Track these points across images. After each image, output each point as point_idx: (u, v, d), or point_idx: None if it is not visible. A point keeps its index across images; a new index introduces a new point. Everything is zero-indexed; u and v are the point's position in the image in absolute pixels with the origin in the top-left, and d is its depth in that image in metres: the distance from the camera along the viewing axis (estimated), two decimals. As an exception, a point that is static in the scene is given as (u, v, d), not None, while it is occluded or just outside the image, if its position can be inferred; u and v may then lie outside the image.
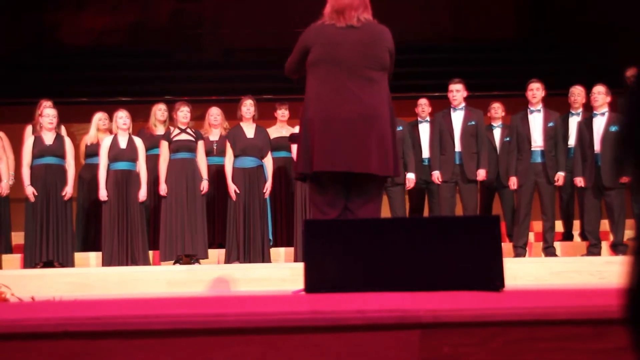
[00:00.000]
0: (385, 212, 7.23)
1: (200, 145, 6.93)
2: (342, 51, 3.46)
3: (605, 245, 6.88)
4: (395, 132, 3.61)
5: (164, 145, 6.86)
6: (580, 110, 7.10)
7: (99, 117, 7.36)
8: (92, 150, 7.24)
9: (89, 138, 7.38)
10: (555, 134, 6.78)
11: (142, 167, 6.83)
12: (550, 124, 6.77)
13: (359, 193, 3.52)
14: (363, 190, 3.52)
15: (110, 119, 7.19)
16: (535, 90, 6.78)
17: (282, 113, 7.38)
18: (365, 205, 3.52)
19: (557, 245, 6.97)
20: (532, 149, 6.76)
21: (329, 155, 3.40)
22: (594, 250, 6.70)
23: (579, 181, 6.72)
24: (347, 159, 3.40)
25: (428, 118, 7.35)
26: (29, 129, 7.20)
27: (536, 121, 6.79)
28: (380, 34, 3.53)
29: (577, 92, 7.12)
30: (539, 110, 6.81)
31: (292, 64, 3.62)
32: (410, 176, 6.97)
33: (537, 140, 6.77)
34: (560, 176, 6.75)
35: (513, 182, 6.80)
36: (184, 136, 6.86)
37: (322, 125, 3.42)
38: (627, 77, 7.04)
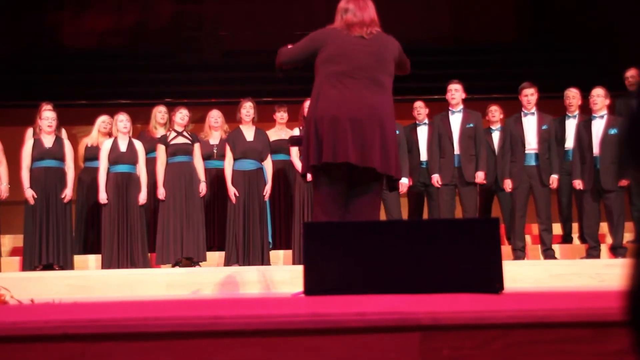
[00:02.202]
0: (381, 216, 7.23)
1: (197, 148, 6.93)
2: (354, 54, 3.55)
3: (604, 248, 6.88)
4: (396, 136, 3.66)
5: (161, 149, 6.86)
6: (576, 112, 7.10)
7: (102, 120, 7.37)
8: (92, 153, 7.24)
9: (89, 139, 7.39)
10: (549, 137, 6.78)
11: (142, 170, 6.83)
12: (544, 127, 6.77)
13: (363, 193, 3.56)
14: (366, 189, 3.56)
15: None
16: (530, 96, 6.80)
17: (281, 115, 7.38)
18: (369, 206, 3.56)
19: (557, 247, 6.97)
20: (526, 151, 6.77)
21: (339, 149, 3.46)
22: (593, 252, 6.70)
23: (578, 184, 6.72)
24: (356, 153, 3.45)
25: (426, 120, 7.35)
26: (29, 131, 7.21)
27: (530, 124, 6.80)
28: (388, 42, 3.66)
29: (571, 95, 7.12)
30: (532, 113, 6.82)
31: (294, 56, 3.66)
32: (404, 181, 6.96)
33: (531, 142, 6.77)
34: (554, 179, 6.75)
35: (508, 185, 6.80)
36: (180, 139, 6.87)
37: (332, 122, 3.47)
38: (626, 78, 7.05)
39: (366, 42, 3.59)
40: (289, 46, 3.74)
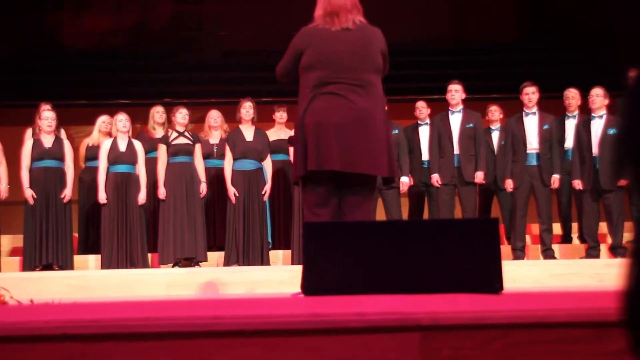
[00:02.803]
0: (381, 215, 7.24)
1: (198, 148, 6.93)
2: (337, 54, 3.43)
3: (604, 248, 6.88)
4: (390, 133, 3.59)
5: (162, 148, 6.87)
6: (576, 112, 7.11)
7: (103, 120, 7.37)
8: (93, 153, 7.25)
9: (90, 139, 7.40)
10: (551, 137, 6.79)
11: (141, 170, 6.83)
12: (546, 127, 6.77)
13: (352, 194, 3.51)
14: (356, 191, 3.51)
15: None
16: (531, 94, 6.79)
17: (281, 115, 7.38)
18: (359, 207, 3.51)
19: (556, 247, 6.97)
20: (527, 151, 6.77)
21: (323, 156, 3.39)
22: (592, 252, 6.70)
23: (577, 184, 6.72)
24: (341, 159, 3.39)
25: (428, 120, 7.35)
26: (29, 131, 7.21)
27: (531, 124, 6.80)
28: (374, 35, 3.53)
29: (571, 95, 7.12)
30: (534, 113, 6.82)
31: (285, 68, 3.58)
32: (405, 180, 6.97)
33: (533, 142, 6.77)
34: (555, 179, 6.75)
35: (509, 185, 6.80)
36: (182, 140, 6.87)
37: (317, 128, 3.41)
38: (629, 78, 7.04)
39: (350, 38, 3.45)
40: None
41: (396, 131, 7.03)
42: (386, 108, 3.65)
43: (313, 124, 3.42)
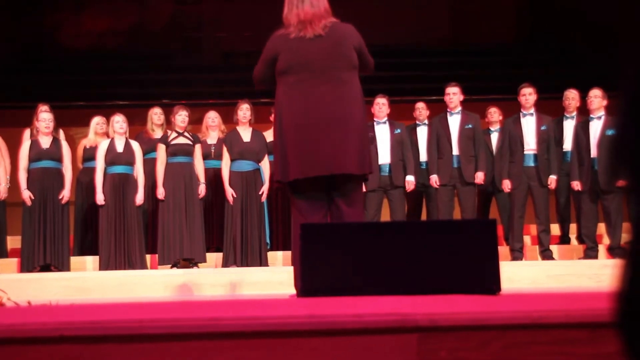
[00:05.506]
0: (386, 216, 7.24)
1: (198, 149, 6.93)
2: (310, 57, 3.45)
3: (602, 249, 6.89)
4: (367, 130, 3.59)
5: (162, 148, 6.86)
6: (574, 113, 7.12)
7: (97, 121, 7.36)
8: (90, 154, 7.24)
9: (87, 141, 7.39)
10: (548, 138, 6.79)
11: (139, 171, 6.83)
12: (543, 128, 6.78)
13: (341, 194, 3.51)
14: (344, 191, 3.51)
15: (108, 122, 7.19)
16: (528, 95, 6.80)
17: (279, 116, 7.36)
18: (349, 206, 3.51)
19: (554, 248, 6.98)
20: (524, 152, 6.78)
21: (306, 162, 3.40)
22: (591, 253, 6.71)
23: (576, 185, 6.72)
24: (325, 163, 3.40)
25: (426, 121, 7.36)
26: (26, 132, 7.21)
27: (529, 125, 6.81)
28: (345, 33, 3.53)
29: (571, 96, 7.13)
30: (531, 114, 6.83)
31: (260, 73, 3.58)
32: (410, 179, 6.97)
33: (530, 143, 6.78)
34: (552, 179, 6.76)
35: (506, 185, 6.81)
36: (181, 140, 6.87)
37: (296, 132, 3.42)
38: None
39: (321, 41, 3.46)
40: None
41: (398, 130, 7.05)
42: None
43: (292, 128, 3.43)
